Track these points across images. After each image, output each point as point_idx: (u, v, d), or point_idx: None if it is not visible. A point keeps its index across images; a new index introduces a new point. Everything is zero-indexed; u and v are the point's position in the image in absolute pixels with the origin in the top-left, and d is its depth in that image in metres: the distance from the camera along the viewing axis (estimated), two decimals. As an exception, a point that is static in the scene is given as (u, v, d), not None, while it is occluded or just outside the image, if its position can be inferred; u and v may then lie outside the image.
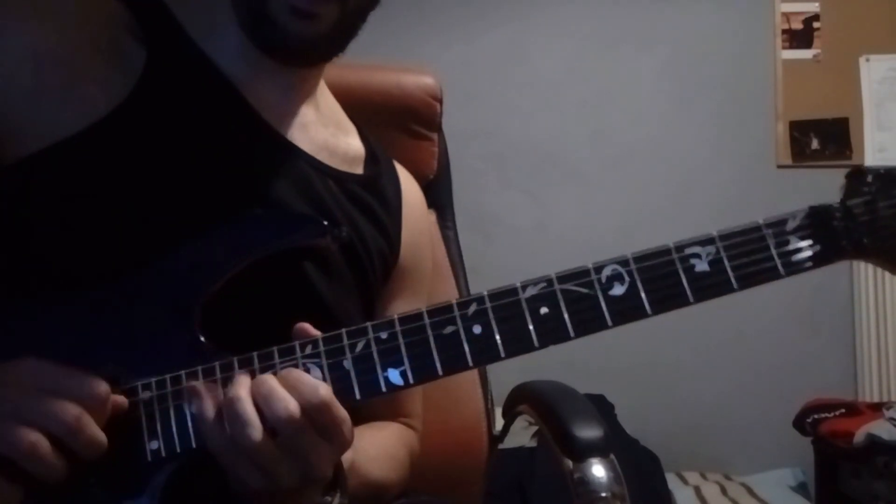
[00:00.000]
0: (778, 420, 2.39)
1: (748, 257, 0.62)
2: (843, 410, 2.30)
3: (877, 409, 2.27)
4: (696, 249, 0.62)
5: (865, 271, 2.56)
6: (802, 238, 0.63)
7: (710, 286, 0.62)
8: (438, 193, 1.23)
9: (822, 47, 2.62)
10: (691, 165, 2.61)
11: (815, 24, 2.62)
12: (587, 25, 2.65)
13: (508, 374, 1.05)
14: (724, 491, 2.29)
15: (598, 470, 0.78)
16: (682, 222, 2.56)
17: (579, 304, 0.62)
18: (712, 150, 2.61)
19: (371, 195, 0.85)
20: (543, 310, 0.61)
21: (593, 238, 2.51)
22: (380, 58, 1.07)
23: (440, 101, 1.19)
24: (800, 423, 2.35)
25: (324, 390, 0.59)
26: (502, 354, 0.61)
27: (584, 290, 0.62)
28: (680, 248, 0.63)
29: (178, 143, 0.72)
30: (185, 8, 0.76)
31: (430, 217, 1.21)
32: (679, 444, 2.42)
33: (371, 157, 0.88)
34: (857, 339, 2.57)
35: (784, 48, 2.62)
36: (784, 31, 2.63)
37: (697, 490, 2.30)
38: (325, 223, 0.71)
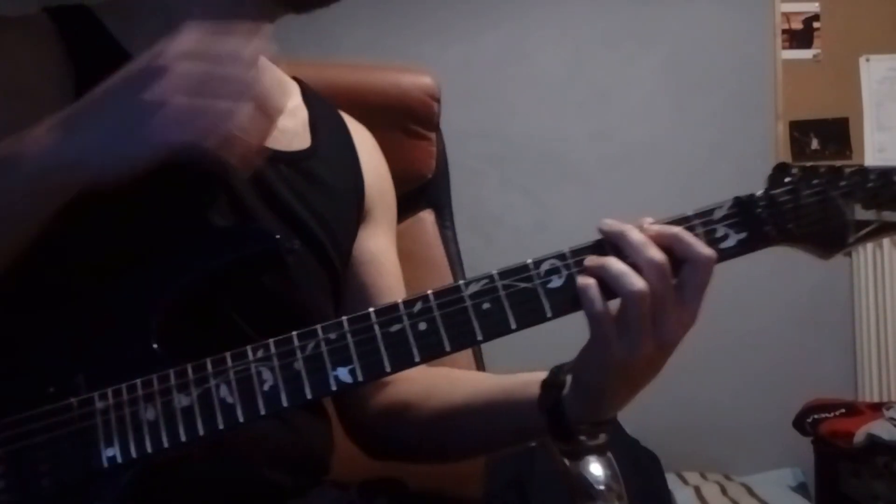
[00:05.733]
0: (778, 420, 2.39)
1: None
2: (843, 410, 2.30)
3: (877, 409, 2.28)
4: None
5: (866, 271, 2.56)
6: (729, 226, 0.67)
7: None
8: (437, 193, 1.23)
9: (822, 47, 2.62)
10: (691, 165, 2.60)
11: (815, 24, 2.62)
12: (587, 25, 2.65)
13: (507, 373, 1.05)
14: (724, 491, 2.30)
15: (595, 468, 0.79)
16: (682, 222, 2.57)
17: (519, 297, 0.64)
18: (712, 149, 2.61)
19: (323, 164, 0.85)
20: (486, 305, 0.63)
21: (593, 238, 2.49)
22: (379, 57, 1.07)
23: (438, 101, 1.19)
24: (800, 423, 2.35)
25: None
26: (448, 349, 0.63)
27: (525, 285, 0.64)
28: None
29: None
30: (115, 18, 0.75)
31: (431, 217, 1.21)
32: (679, 444, 2.41)
33: (314, 119, 0.88)
34: (857, 339, 2.57)
35: (784, 48, 2.62)
36: (784, 31, 2.63)
37: (697, 490, 2.30)
38: (277, 237, 0.70)
